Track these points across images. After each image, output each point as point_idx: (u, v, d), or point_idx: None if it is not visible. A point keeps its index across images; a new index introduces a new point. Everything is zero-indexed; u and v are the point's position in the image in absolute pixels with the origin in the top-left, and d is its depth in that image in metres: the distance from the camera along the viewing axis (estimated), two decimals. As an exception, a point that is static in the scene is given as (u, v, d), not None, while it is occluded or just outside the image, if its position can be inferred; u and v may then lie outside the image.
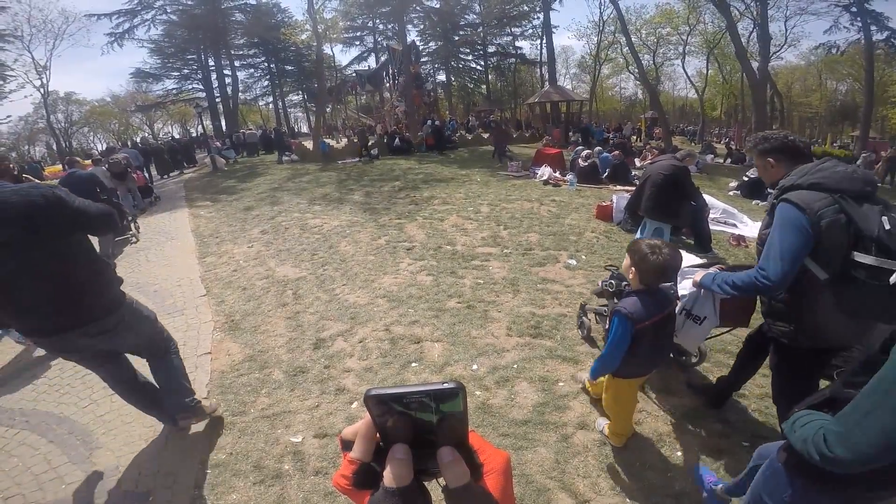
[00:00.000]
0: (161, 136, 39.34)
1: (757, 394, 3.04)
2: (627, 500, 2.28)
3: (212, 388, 3.42)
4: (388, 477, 0.44)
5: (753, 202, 8.59)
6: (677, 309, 2.47)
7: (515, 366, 3.37)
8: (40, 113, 33.47)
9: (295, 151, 15.82)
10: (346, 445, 0.49)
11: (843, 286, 1.68)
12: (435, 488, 0.49)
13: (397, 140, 15.28)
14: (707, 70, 33.05)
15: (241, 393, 3.32)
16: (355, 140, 14.49)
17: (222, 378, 3.53)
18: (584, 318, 3.71)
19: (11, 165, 4.88)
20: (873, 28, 19.10)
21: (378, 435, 0.46)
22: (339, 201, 8.52)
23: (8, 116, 19.14)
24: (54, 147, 34.79)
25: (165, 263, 6.14)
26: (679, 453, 2.54)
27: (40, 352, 4.05)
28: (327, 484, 2.48)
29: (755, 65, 15.47)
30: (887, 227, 1.60)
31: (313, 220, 7.38)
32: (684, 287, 2.72)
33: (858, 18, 19.24)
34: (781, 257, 1.74)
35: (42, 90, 30.14)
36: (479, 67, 36.47)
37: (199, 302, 4.90)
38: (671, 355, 3.25)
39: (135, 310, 2.55)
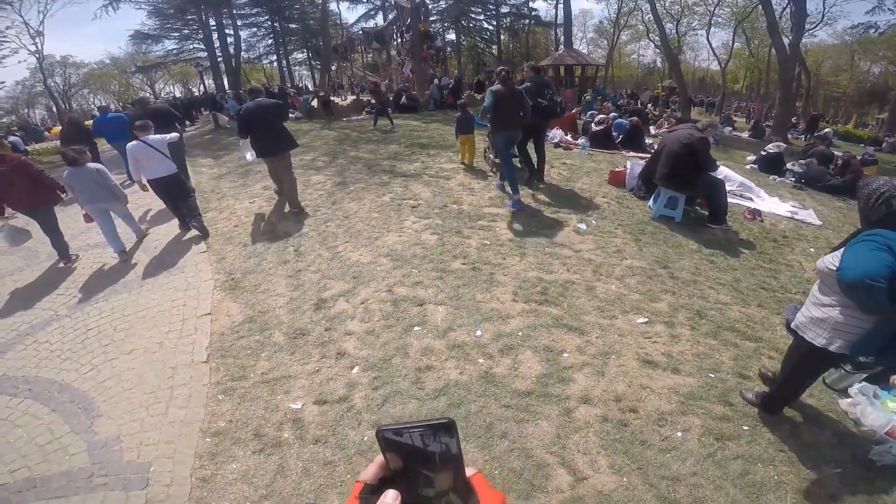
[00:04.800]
0: (162, 95, 38.72)
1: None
2: (625, 479, 2.23)
3: (212, 352, 3.35)
4: None
5: (770, 178, 8.34)
6: None
7: (520, 333, 3.27)
8: (37, 77, 33.21)
9: (299, 109, 15.44)
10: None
11: None
12: None
13: (404, 98, 14.82)
14: (733, 43, 31.50)
15: (240, 357, 3.27)
16: (371, 100, 13.75)
17: (222, 340, 3.47)
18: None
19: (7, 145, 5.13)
20: (921, 11, 17.70)
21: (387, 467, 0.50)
22: (344, 158, 8.28)
23: (2, 82, 18.82)
24: (54, 109, 34.45)
25: (165, 219, 6.01)
26: (679, 434, 2.47)
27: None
28: (327, 453, 2.45)
29: (786, 41, 14.60)
30: None
31: (316, 177, 7.18)
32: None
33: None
34: None
35: (37, 55, 29.75)
36: (490, 27, 34.92)
37: (199, 259, 4.82)
38: None
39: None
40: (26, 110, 39.38)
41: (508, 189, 5.53)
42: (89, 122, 9.18)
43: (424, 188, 6.33)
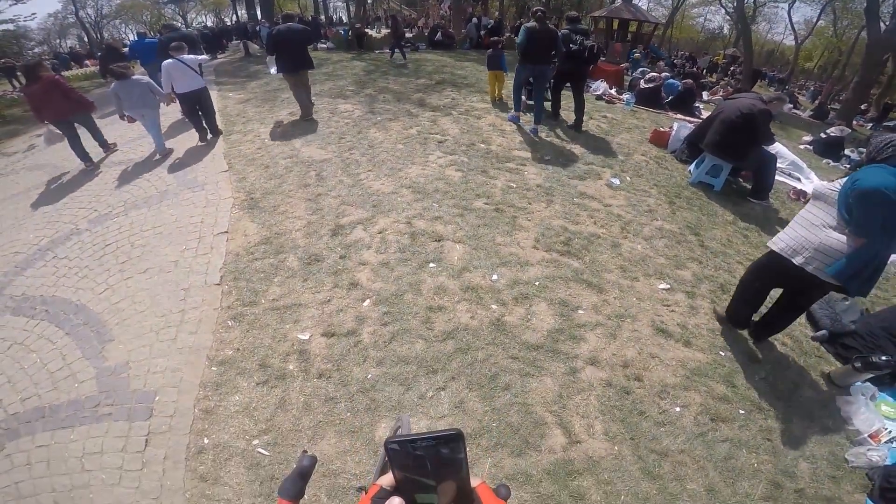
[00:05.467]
0: (193, 25, 38.01)
1: (770, 361, 2.85)
2: (615, 448, 2.21)
3: (225, 274, 3.33)
4: None
5: (824, 161, 7.90)
6: None
7: (537, 283, 3.17)
8: (69, 9, 33.12)
9: (332, 39, 14.82)
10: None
11: None
12: None
13: (439, 34, 14.04)
14: (817, 20, 28.45)
15: (253, 280, 3.24)
16: (388, 31, 13.16)
17: (237, 261, 3.44)
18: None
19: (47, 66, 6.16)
20: None
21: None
22: (373, 88, 7.97)
23: (33, 14, 18.52)
24: (86, 39, 34.24)
25: (189, 139, 5.96)
26: (678, 409, 2.43)
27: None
28: (329, 388, 2.44)
29: (882, 26, 13.21)
30: None
31: (343, 105, 6.94)
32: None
33: None
34: None
35: None
36: (542, -31, 32.11)
37: (220, 178, 4.76)
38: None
39: None
40: (58, 41, 39.26)
41: (532, 126, 5.87)
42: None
43: (453, 124, 6.07)
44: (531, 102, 6.06)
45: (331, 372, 2.53)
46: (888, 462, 2.23)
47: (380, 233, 3.64)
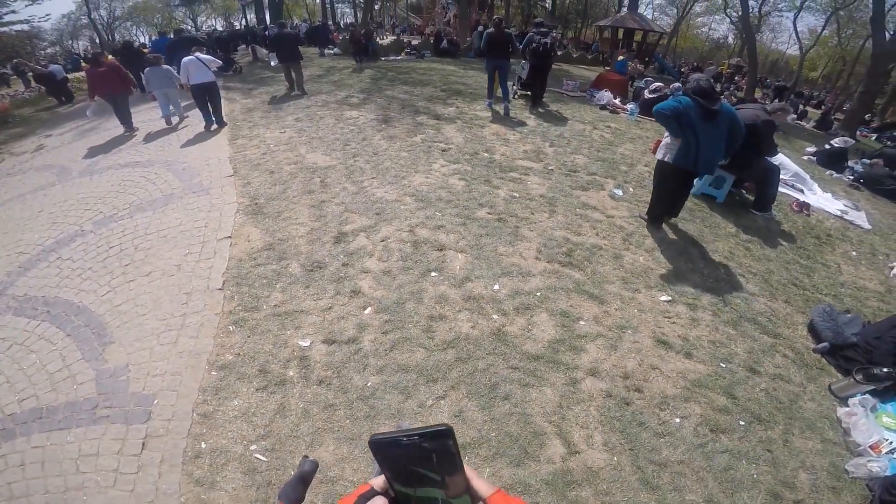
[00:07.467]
0: (203, 28, 38.52)
1: (771, 373, 2.85)
2: (615, 458, 2.20)
3: (228, 279, 3.34)
4: None
5: (827, 172, 7.82)
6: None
7: (539, 293, 3.18)
8: (83, 10, 33.72)
9: (338, 45, 14.96)
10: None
11: None
12: None
13: (445, 42, 14.19)
14: (822, 29, 28.50)
15: (255, 286, 3.25)
16: (412, 42, 13.34)
17: (240, 267, 3.46)
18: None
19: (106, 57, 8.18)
20: None
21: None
22: (379, 96, 8.06)
23: (47, 15, 18.94)
24: (97, 41, 34.76)
25: (196, 143, 6.04)
26: (678, 420, 2.42)
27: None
28: (329, 395, 2.44)
29: (888, 35, 13.22)
30: None
31: (349, 112, 7.01)
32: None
33: None
34: None
35: None
36: (547, -22, 32.29)
37: (224, 182, 4.80)
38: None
39: None
40: (70, 41, 39.77)
41: (504, 103, 7.28)
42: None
43: (457, 133, 6.12)
44: (518, 90, 8.29)
45: (331, 379, 2.53)
46: (888, 473, 2.21)
47: (382, 241, 3.66)
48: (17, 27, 17.10)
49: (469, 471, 0.50)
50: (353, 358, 2.66)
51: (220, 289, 3.25)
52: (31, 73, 13.75)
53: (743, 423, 2.45)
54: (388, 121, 6.59)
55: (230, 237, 3.81)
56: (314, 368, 2.60)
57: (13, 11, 14.71)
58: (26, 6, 15.29)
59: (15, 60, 17.26)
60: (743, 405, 2.56)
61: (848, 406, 2.63)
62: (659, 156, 3.91)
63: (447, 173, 4.87)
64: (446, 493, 0.47)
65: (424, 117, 6.75)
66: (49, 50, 34.52)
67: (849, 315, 3.33)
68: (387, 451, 0.46)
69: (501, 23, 7.24)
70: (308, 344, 2.76)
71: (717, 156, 3.81)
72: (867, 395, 2.64)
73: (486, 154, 5.44)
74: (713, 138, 3.65)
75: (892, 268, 4.59)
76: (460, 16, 16.80)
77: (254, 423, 2.33)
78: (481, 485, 0.49)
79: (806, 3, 26.78)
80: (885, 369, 2.64)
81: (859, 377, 2.66)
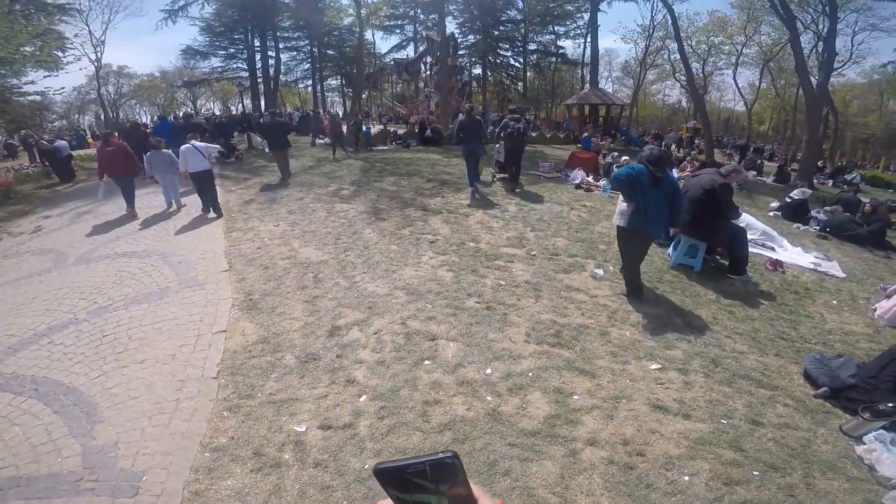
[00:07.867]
0: (202, 111, 40.96)
1: (776, 423, 2.89)
2: None
3: (222, 369, 3.40)
4: None
5: (794, 226, 8.11)
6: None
7: (531, 374, 3.26)
8: (93, 84, 35.77)
9: (329, 135, 15.90)
10: None
11: None
12: None
13: (429, 131, 15.23)
14: (760, 83, 31.61)
15: (250, 375, 3.30)
16: (397, 131, 14.37)
17: (234, 358, 3.52)
18: None
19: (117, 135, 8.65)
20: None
21: None
22: (368, 188, 8.54)
23: (62, 88, 20.17)
24: (102, 118, 36.65)
25: (192, 235, 6.27)
26: (687, 478, 2.41)
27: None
28: (326, 477, 2.43)
29: (814, 81, 14.51)
30: None
31: (340, 205, 7.40)
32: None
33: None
34: None
35: (96, 63, 32.27)
36: (517, 64, 35.81)
37: (220, 277, 4.95)
38: None
39: None
40: (77, 116, 41.99)
41: (476, 189, 7.86)
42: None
43: (443, 224, 6.45)
44: (496, 174, 9.13)
45: (327, 462, 2.52)
46: None
47: (375, 333, 3.76)
48: (32, 97, 17.74)
49: (476, 490, 0.51)
50: (349, 442, 2.66)
51: (214, 377, 3.29)
52: (36, 148, 14.04)
53: (757, 473, 2.43)
54: (378, 213, 6.95)
55: (225, 331, 3.89)
56: (310, 452, 2.59)
57: (32, 82, 15.35)
58: (45, 76, 16.02)
59: (23, 132, 17.65)
60: (753, 456, 2.55)
61: (865, 444, 2.64)
62: (616, 222, 4.30)
63: (436, 265, 5.09)
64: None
65: (412, 209, 7.12)
66: (56, 123, 35.97)
67: (841, 359, 3.45)
68: (391, 479, 0.46)
69: (473, 110, 8.22)
70: (304, 429, 2.76)
71: (663, 219, 4.19)
72: (882, 431, 2.66)
73: (472, 244, 5.72)
74: (659, 202, 4.07)
75: (874, 309, 4.76)
76: (442, 104, 18.09)
77: (247, 502, 2.29)
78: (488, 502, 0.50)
79: (740, 59, 29.84)
80: (889, 404, 2.69)
81: (867, 415, 2.70)
